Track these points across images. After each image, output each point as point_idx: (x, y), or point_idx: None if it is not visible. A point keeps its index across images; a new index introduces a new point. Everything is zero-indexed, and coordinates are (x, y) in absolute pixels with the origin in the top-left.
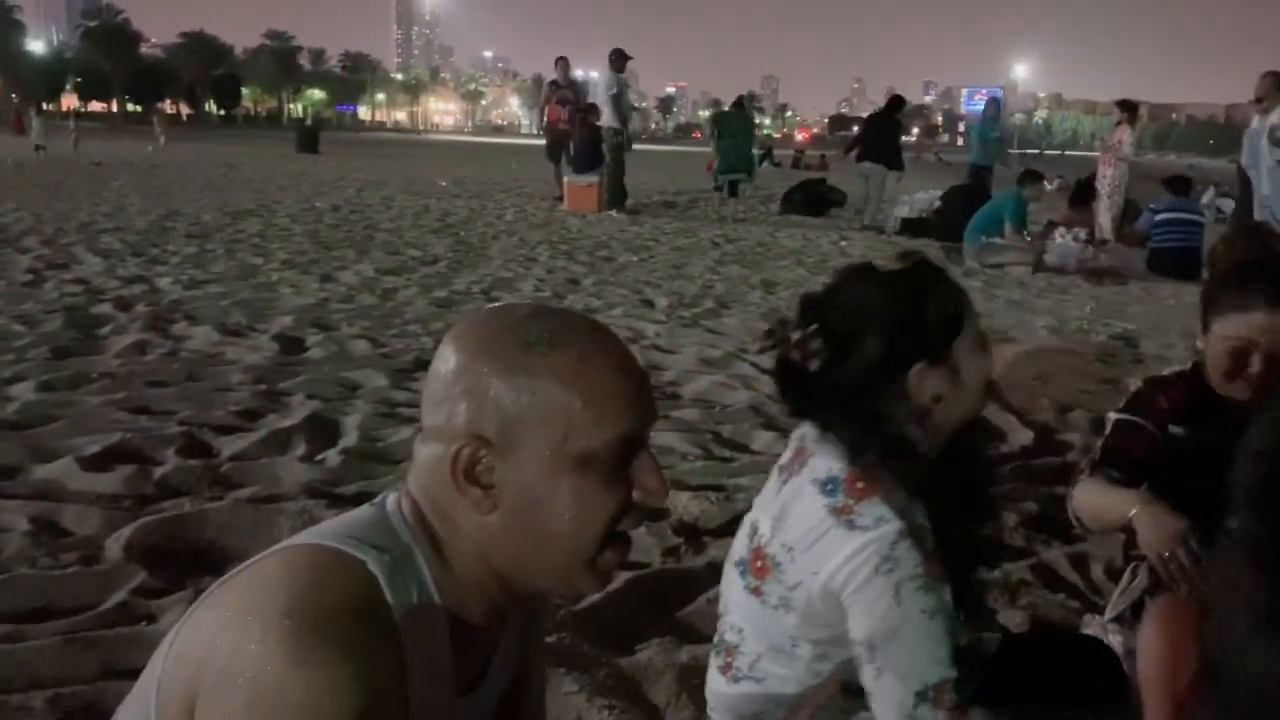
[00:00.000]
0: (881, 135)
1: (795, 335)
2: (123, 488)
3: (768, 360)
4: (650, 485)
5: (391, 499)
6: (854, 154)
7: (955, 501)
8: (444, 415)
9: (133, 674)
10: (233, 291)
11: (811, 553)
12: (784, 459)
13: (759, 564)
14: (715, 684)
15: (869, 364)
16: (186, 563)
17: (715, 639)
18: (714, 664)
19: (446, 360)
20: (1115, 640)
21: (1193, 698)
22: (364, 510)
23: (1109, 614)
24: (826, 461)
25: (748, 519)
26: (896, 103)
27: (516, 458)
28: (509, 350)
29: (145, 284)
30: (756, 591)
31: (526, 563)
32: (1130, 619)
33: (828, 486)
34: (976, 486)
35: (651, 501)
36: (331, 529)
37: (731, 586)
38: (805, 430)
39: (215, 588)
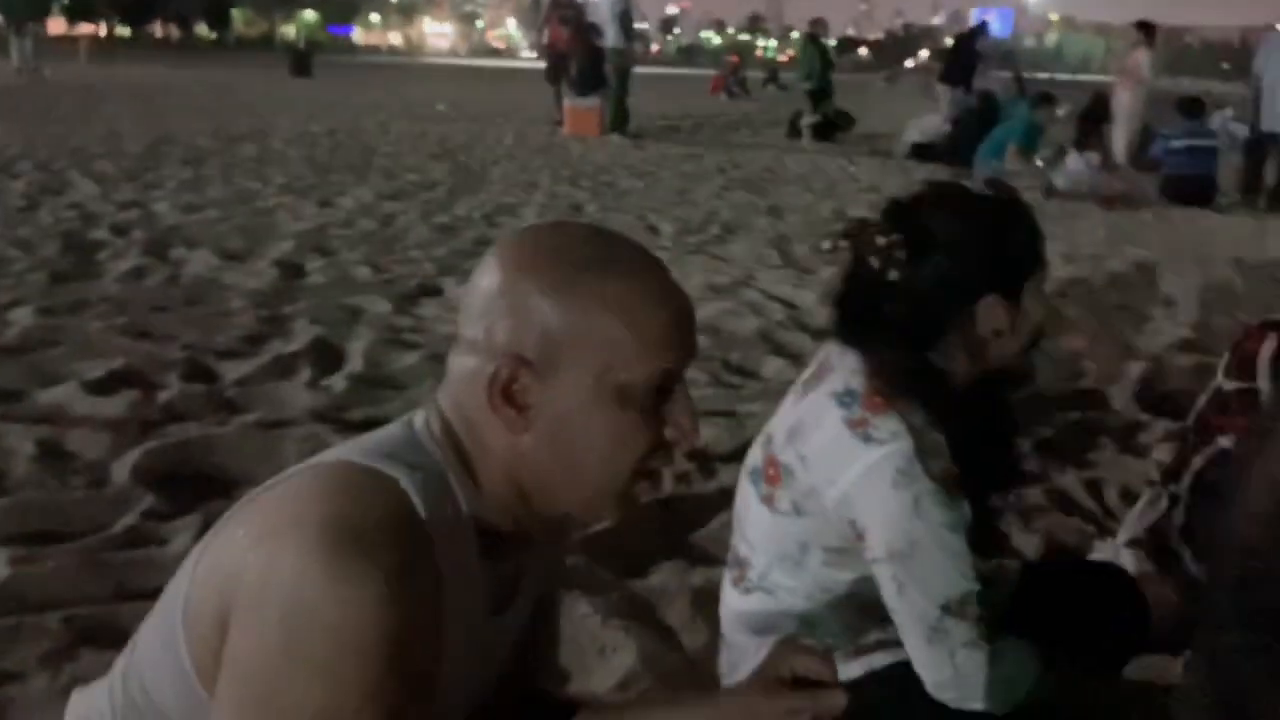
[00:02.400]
0: (960, 59)
1: (880, 240)
2: (127, 412)
3: (779, 285)
4: (684, 424)
5: (419, 418)
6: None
7: (977, 433)
8: (483, 330)
9: (145, 595)
10: (230, 216)
11: (826, 462)
12: (805, 375)
13: (771, 471)
14: (728, 599)
15: (945, 283)
16: (194, 487)
17: (730, 554)
18: (727, 578)
19: (491, 273)
20: (1129, 563)
21: None
22: (393, 428)
23: (1122, 537)
24: (845, 375)
25: (764, 430)
26: (976, 30)
27: (555, 382)
28: (560, 271)
29: (141, 209)
30: (768, 500)
31: (554, 487)
32: (1146, 543)
33: (845, 399)
34: (1000, 421)
35: (683, 441)
36: (361, 446)
37: (744, 496)
38: (829, 347)
39: (243, 504)
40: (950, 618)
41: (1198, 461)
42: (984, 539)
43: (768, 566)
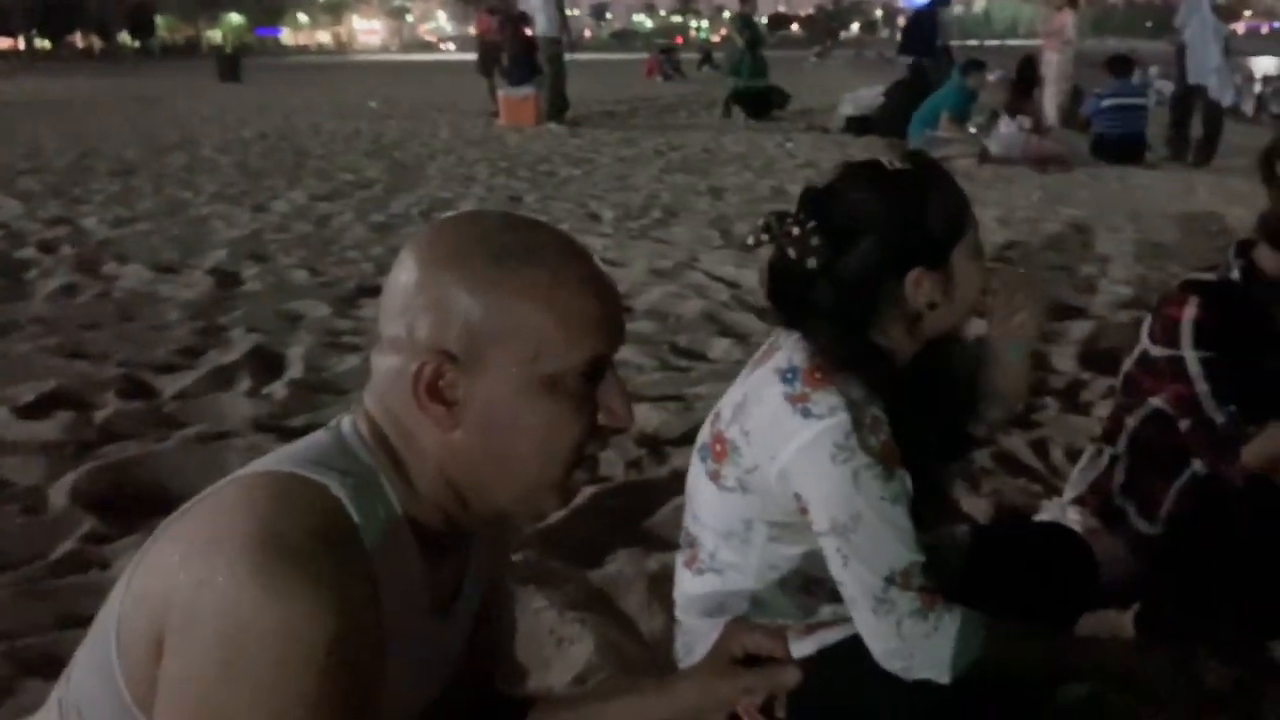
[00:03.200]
0: (921, 30)
1: (795, 230)
2: (63, 434)
3: (722, 265)
4: (617, 409)
5: (347, 421)
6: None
7: (923, 404)
8: (404, 327)
9: (88, 621)
10: (162, 228)
11: (767, 438)
12: (757, 355)
13: (718, 448)
14: (682, 581)
15: (867, 265)
16: (136, 507)
17: (682, 534)
18: (680, 560)
19: (409, 269)
20: (1074, 521)
21: None
22: (319, 435)
23: (1068, 496)
24: (789, 352)
25: (714, 408)
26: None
27: (482, 376)
28: (478, 262)
29: (69, 225)
30: (715, 476)
31: (490, 483)
32: (1090, 501)
33: (787, 375)
34: (945, 390)
35: (617, 424)
36: (288, 455)
37: (695, 474)
38: (779, 331)
39: (171, 522)
40: (895, 588)
41: (1131, 422)
42: (932, 509)
43: (716, 545)
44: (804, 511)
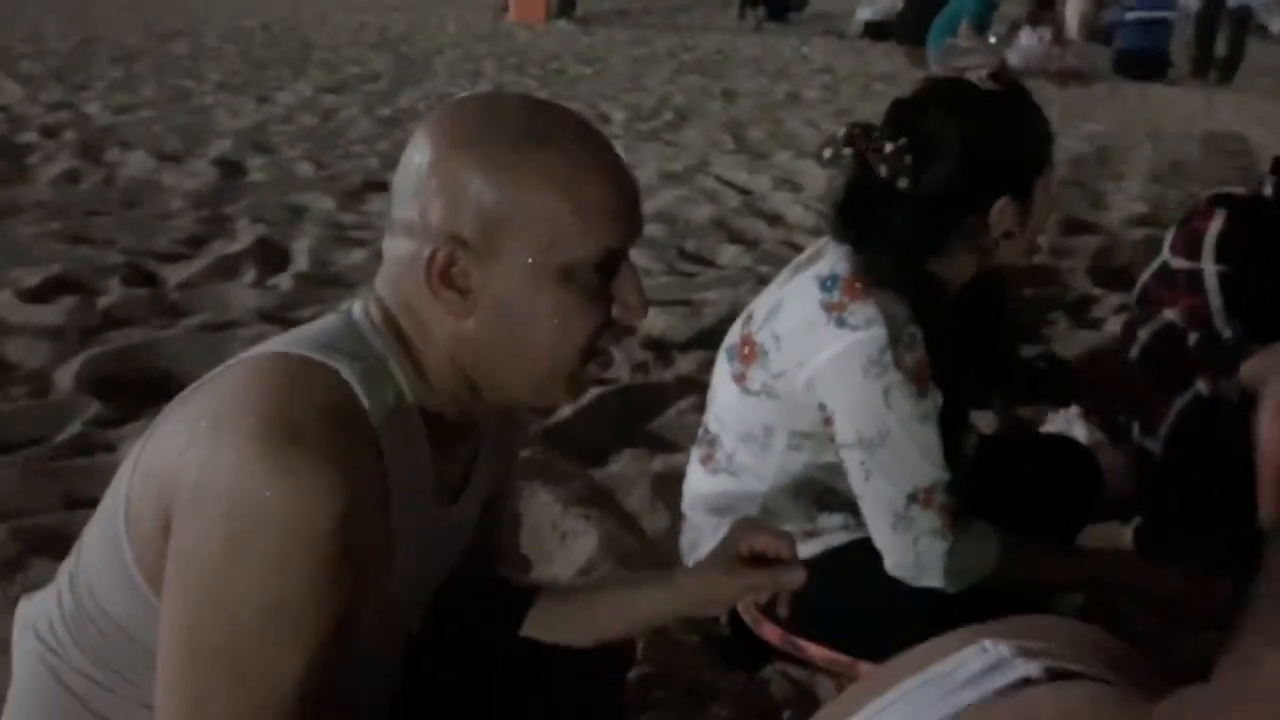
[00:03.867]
0: None
1: (887, 147)
2: (66, 319)
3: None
4: (631, 303)
5: (358, 307)
6: None
7: (966, 333)
8: (417, 211)
9: (94, 502)
10: (165, 116)
11: (799, 344)
12: (799, 259)
13: (746, 350)
14: (693, 479)
15: (955, 189)
16: (140, 392)
17: (700, 431)
18: (695, 456)
19: (422, 150)
20: (1081, 433)
21: None
22: (330, 319)
23: (1075, 409)
24: (833, 261)
25: (746, 309)
26: None
27: (496, 263)
28: (494, 145)
29: (71, 110)
30: (740, 378)
31: (501, 372)
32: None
33: (827, 283)
34: (990, 322)
35: (631, 319)
36: (297, 337)
37: (719, 373)
38: (825, 239)
39: (179, 401)
40: (916, 506)
41: (1143, 333)
42: (957, 435)
43: (735, 447)
44: (828, 422)
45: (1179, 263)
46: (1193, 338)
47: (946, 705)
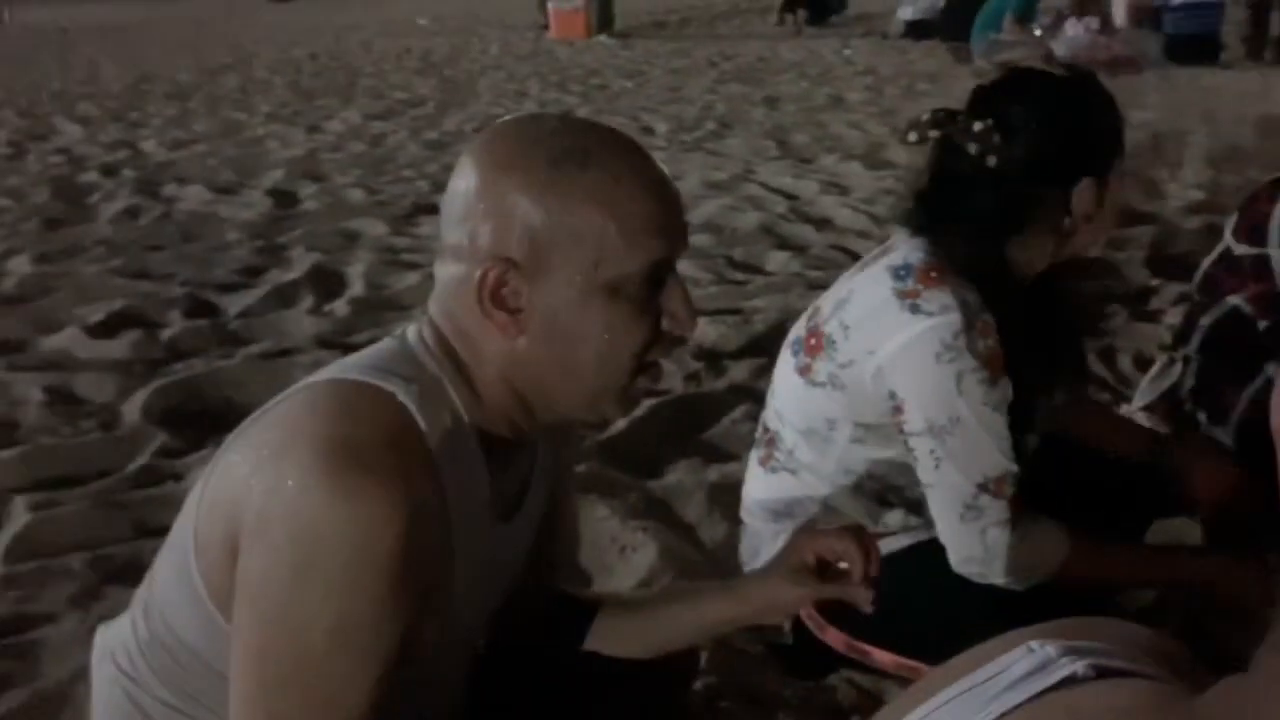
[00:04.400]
0: None
1: (977, 125)
2: (132, 352)
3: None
4: (680, 314)
5: (412, 330)
6: None
7: (1036, 328)
8: (466, 235)
9: (165, 531)
10: (219, 149)
11: (870, 330)
12: (865, 259)
13: (813, 342)
14: (752, 481)
15: (1041, 168)
16: (205, 422)
17: (758, 431)
18: (754, 458)
19: (468, 175)
20: (1143, 421)
21: None
22: (384, 344)
23: (1138, 403)
24: (905, 251)
25: (812, 305)
26: None
27: (545, 282)
28: (537, 167)
29: (129, 148)
30: (805, 370)
31: (554, 389)
32: (1160, 408)
33: (900, 272)
34: (1062, 315)
35: (680, 330)
36: (353, 364)
37: (782, 368)
38: (899, 233)
39: (240, 431)
40: (986, 495)
41: (1205, 321)
42: (1021, 435)
43: (795, 442)
44: (898, 410)
45: (1243, 248)
46: (1262, 325)
47: (991, 709)
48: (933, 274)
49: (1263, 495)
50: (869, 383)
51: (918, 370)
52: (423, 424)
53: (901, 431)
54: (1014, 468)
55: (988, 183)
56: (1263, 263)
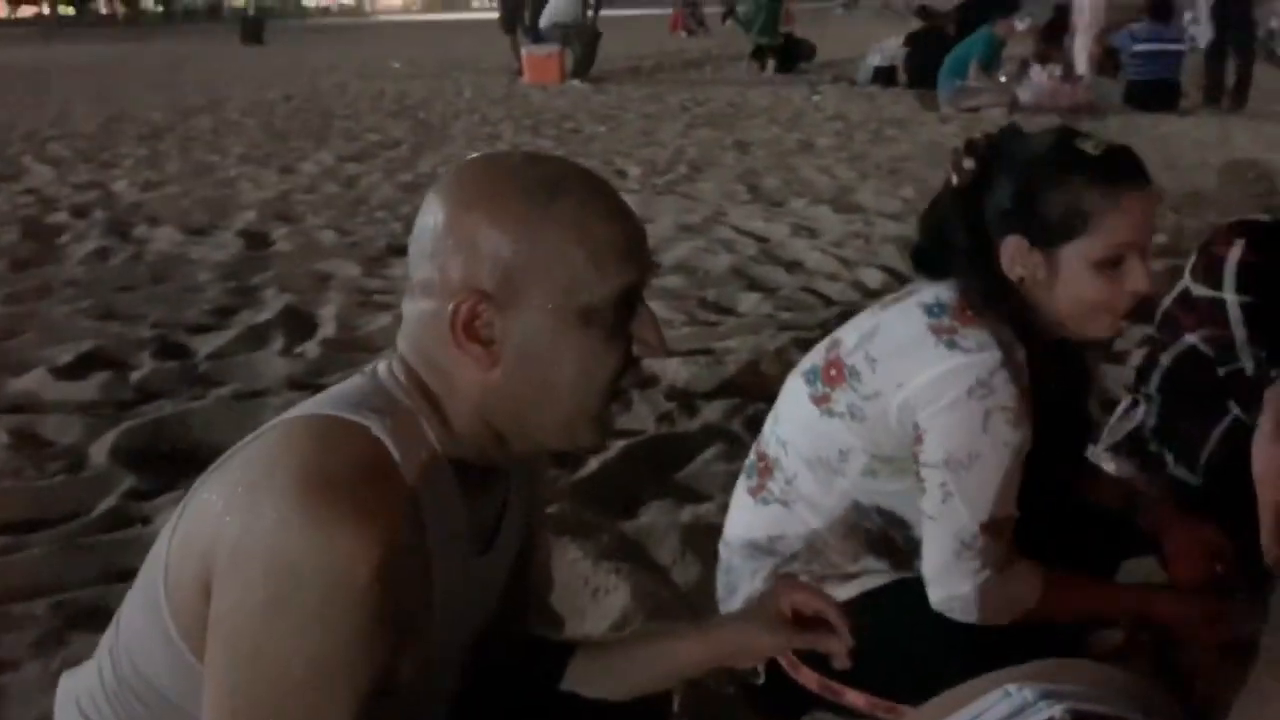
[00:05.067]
0: None
1: (968, 163)
2: (100, 394)
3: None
4: (651, 339)
5: (382, 366)
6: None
7: (1052, 392)
8: (436, 269)
9: (132, 575)
10: (191, 190)
11: (900, 364)
12: (887, 299)
13: (833, 372)
14: (738, 511)
15: (992, 207)
16: (174, 464)
17: (749, 459)
18: (742, 488)
19: (435, 211)
20: (1111, 468)
21: None
22: (355, 380)
23: (1104, 443)
24: (936, 290)
25: (829, 337)
26: None
27: (518, 312)
28: (506, 199)
29: (100, 189)
30: (822, 400)
31: (529, 418)
32: (1125, 449)
33: (934, 309)
34: (1074, 386)
35: (651, 355)
36: (325, 400)
37: (791, 397)
38: (918, 280)
39: (213, 469)
40: (986, 536)
41: (1165, 360)
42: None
43: (796, 471)
44: (918, 441)
45: (1200, 290)
46: (1221, 370)
47: None
48: (969, 313)
49: (1235, 533)
50: (893, 415)
51: (947, 404)
52: (398, 457)
53: (916, 460)
54: (1015, 515)
55: (959, 212)
56: (1218, 306)
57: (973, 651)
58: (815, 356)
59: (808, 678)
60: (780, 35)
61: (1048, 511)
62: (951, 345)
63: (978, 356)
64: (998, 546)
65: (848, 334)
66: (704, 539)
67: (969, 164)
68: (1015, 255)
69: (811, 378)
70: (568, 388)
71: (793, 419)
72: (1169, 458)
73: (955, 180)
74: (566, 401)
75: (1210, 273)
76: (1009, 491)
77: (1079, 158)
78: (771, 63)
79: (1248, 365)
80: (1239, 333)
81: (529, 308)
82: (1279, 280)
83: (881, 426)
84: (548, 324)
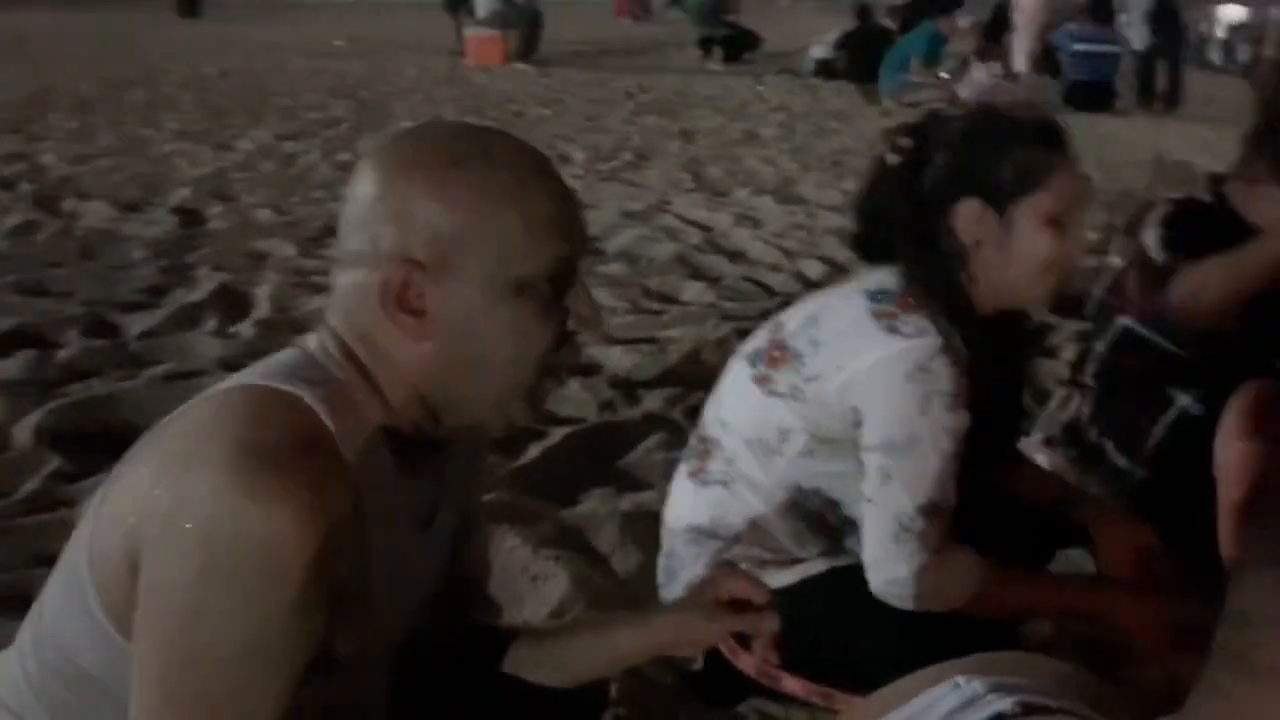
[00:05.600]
0: None
1: (905, 141)
2: (25, 373)
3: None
4: (586, 314)
5: (313, 339)
6: None
7: (993, 370)
8: (367, 239)
9: (56, 559)
10: (123, 165)
11: (841, 347)
12: (834, 285)
13: (776, 354)
14: (679, 495)
15: (936, 177)
16: (101, 445)
17: (690, 441)
18: (683, 471)
19: (367, 181)
20: (1045, 460)
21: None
22: (285, 353)
23: (1036, 435)
24: (881, 277)
25: (771, 320)
26: None
27: (451, 283)
28: (440, 168)
29: (26, 161)
30: (763, 380)
31: (461, 392)
32: (1060, 441)
33: (877, 295)
34: (1009, 372)
35: (586, 329)
36: (256, 372)
37: (732, 378)
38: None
39: (140, 445)
40: (923, 519)
41: (1100, 347)
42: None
43: (736, 451)
44: (858, 425)
45: (1125, 254)
46: (1156, 345)
47: None
48: (910, 301)
49: (1179, 527)
50: (832, 397)
51: (886, 388)
52: (332, 427)
53: (856, 445)
54: (952, 501)
55: (900, 192)
56: (1141, 255)
57: (909, 641)
58: (758, 339)
59: (746, 664)
60: (724, 24)
61: (979, 501)
62: (892, 330)
63: (918, 341)
64: (935, 531)
65: (791, 317)
66: (644, 527)
67: (906, 142)
68: (970, 218)
69: (754, 359)
70: (500, 361)
71: (734, 400)
72: (1109, 445)
73: (894, 159)
74: (499, 375)
75: (1131, 235)
76: (947, 476)
77: (1021, 123)
78: (718, 50)
79: (1158, 259)
80: (1154, 246)
81: (462, 279)
82: (1197, 234)
83: (822, 408)
84: (481, 295)
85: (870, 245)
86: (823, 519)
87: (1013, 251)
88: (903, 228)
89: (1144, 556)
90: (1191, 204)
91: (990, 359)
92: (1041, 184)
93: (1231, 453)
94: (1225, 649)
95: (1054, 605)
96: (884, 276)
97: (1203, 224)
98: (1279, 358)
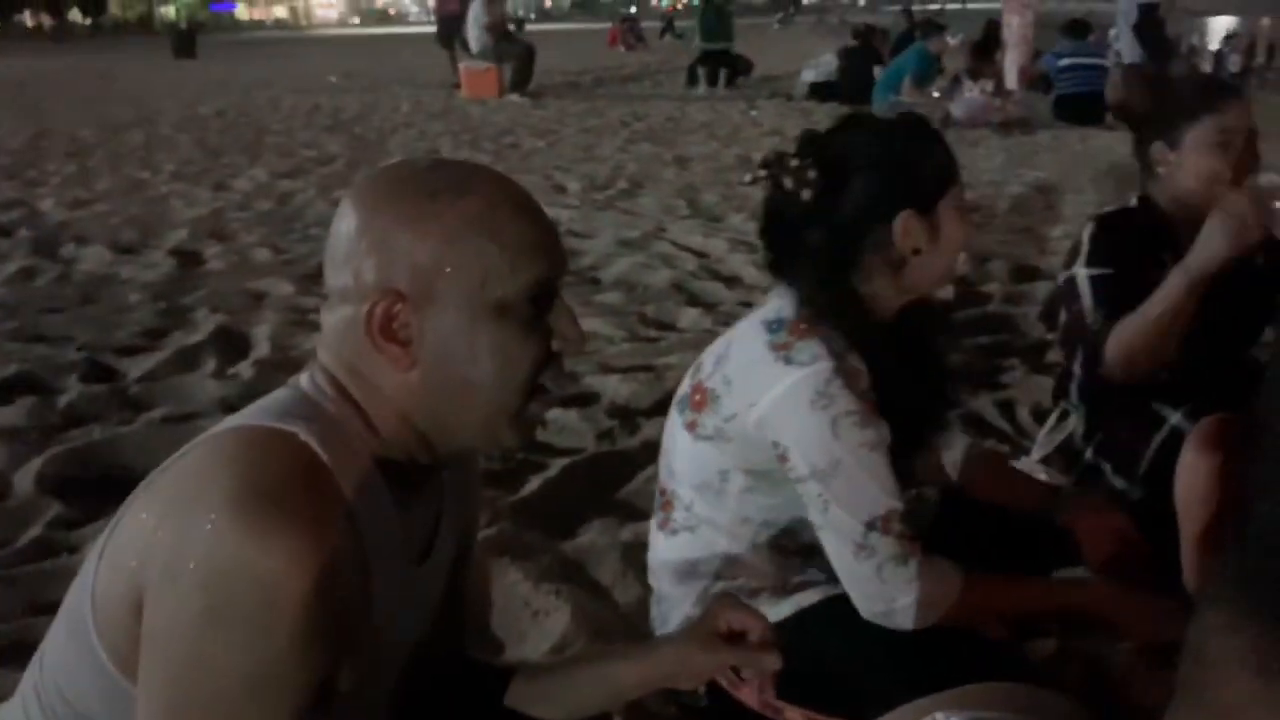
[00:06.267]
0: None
1: (793, 163)
2: (26, 420)
3: (689, 235)
4: (568, 333)
5: (304, 377)
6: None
7: (905, 362)
8: (350, 275)
9: (57, 607)
10: (121, 208)
11: (748, 384)
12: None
13: (698, 398)
14: (656, 546)
15: (859, 203)
16: (102, 491)
17: (656, 495)
18: (654, 523)
19: (347, 218)
20: (1043, 475)
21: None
22: (278, 393)
23: (1036, 455)
24: (778, 304)
25: (695, 362)
26: None
27: (433, 310)
28: (416, 200)
29: (25, 207)
30: (692, 426)
31: (450, 418)
32: (1057, 460)
33: (773, 325)
34: (927, 355)
35: (570, 350)
36: (250, 413)
37: (671, 426)
38: (777, 288)
39: (141, 489)
40: (875, 533)
41: (1075, 368)
42: (912, 464)
43: (691, 499)
44: (782, 459)
45: (1062, 276)
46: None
47: None
48: (802, 325)
49: (1153, 550)
50: (752, 433)
51: (794, 419)
52: (327, 461)
53: (788, 477)
54: (899, 505)
55: (809, 220)
56: (1071, 284)
57: (906, 668)
58: (684, 384)
59: (748, 696)
60: (728, 40)
61: (975, 529)
62: (788, 361)
63: (811, 369)
64: (889, 539)
65: (708, 356)
66: (645, 557)
67: (813, 174)
68: (908, 230)
69: (682, 406)
70: (486, 384)
71: (675, 448)
72: (1106, 467)
73: (790, 184)
74: (486, 398)
75: (1070, 258)
76: (883, 485)
77: (916, 126)
78: (703, 73)
79: (1092, 327)
80: (1087, 302)
81: (444, 305)
82: (1127, 250)
83: (747, 445)
84: (463, 320)
85: (780, 266)
86: (790, 539)
87: (941, 245)
88: (818, 255)
89: (1121, 542)
90: (1117, 215)
91: (906, 354)
92: (951, 176)
93: (1190, 487)
94: (1185, 685)
95: (1039, 604)
96: (781, 303)
97: (1125, 232)
98: (1248, 348)
